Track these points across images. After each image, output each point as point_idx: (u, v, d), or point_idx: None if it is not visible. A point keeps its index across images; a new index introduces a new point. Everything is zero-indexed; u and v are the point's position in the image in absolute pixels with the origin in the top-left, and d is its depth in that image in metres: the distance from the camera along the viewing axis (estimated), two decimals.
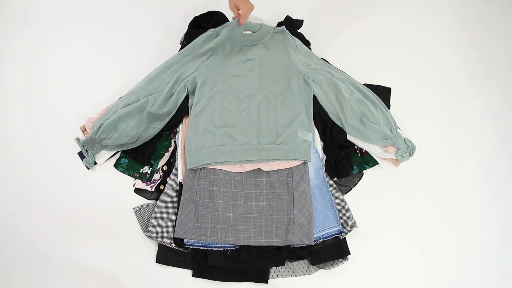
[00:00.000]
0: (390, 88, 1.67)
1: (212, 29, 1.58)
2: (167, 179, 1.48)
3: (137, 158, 1.49)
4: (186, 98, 1.51)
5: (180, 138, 1.52)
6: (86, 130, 1.47)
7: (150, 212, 1.44)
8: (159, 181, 1.50)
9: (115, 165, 1.51)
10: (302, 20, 1.69)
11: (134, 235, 1.43)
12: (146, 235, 1.40)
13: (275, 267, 1.39)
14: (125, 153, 1.51)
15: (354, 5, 1.89)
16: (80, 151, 1.52)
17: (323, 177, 1.46)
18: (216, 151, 1.39)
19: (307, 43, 1.70)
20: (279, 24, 1.68)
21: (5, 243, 1.41)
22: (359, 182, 1.53)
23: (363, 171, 1.54)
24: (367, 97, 1.54)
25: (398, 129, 1.55)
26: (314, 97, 1.54)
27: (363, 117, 1.49)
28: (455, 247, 1.45)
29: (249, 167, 1.41)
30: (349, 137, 1.52)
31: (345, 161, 1.50)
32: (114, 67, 1.70)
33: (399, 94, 1.66)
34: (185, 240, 1.37)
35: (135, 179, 1.50)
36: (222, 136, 1.41)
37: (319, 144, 1.53)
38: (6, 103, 1.62)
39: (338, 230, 1.40)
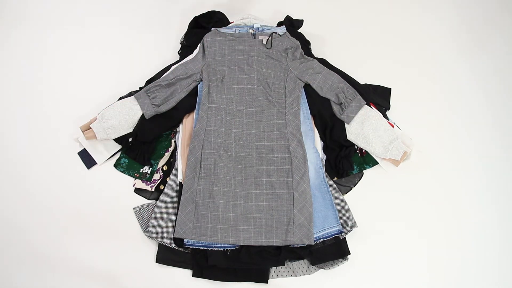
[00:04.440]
0: (390, 89, 1.67)
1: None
2: (167, 179, 1.48)
3: (137, 158, 1.49)
4: (186, 97, 1.52)
5: (180, 138, 1.52)
6: (86, 130, 1.47)
7: (150, 212, 1.44)
8: (159, 181, 1.50)
9: (115, 165, 1.51)
10: (302, 20, 1.69)
11: (134, 235, 1.43)
12: (146, 235, 1.40)
13: (275, 267, 1.39)
14: (125, 153, 1.51)
15: (354, 5, 1.89)
16: (80, 151, 1.52)
17: (323, 177, 1.46)
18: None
19: (307, 43, 1.70)
20: (279, 24, 1.68)
21: (5, 243, 1.41)
22: (359, 182, 1.53)
23: (363, 171, 1.54)
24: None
25: (398, 128, 1.55)
26: (315, 97, 1.55)
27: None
28: (455, 248, 1.45)
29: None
30: (349, 137, 1.52)
31: (345, 161, 1.50)
32: (114, 67, 1.70)
33: (399, 94, 1.66)
34: (185, 240, 1.37)
35: (135, 179, 1.50)
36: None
37: (319, 144, 1.53)
38: (5, 103, 1.62)
39: (338, 230, 1.40)
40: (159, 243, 1.39)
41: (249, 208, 1.38)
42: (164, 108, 1.49)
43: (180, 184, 1.43)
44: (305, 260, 1.40)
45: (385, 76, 1.70)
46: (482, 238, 1.47)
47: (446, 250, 1.45)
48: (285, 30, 1.62)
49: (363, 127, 1.52)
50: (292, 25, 1.67)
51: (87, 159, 1.52)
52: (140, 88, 1.57)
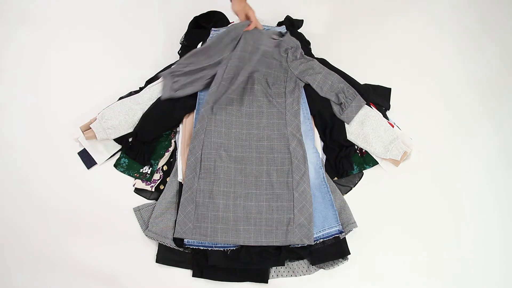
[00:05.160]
0: (390, 89, 1.67)
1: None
2: (167, 179, 1.48)
3: (137, 158, 1.49)
4: (186, 97, 1.52)
5: (180, 138, 1.52)
6: (86, 130, 1.47)
7: (150, 212, 1.44)
8: (159, 181, 1.50)
9: (115, 165, 1.51)
10: (302, 20, 1.69)
11: (134, 235, 1.43)
12: (146, 235, 1.40)
13: (275, 267, 1.39)
14: (125, 153, 1.51)
15: (354, 5, 1.89)
16: (80, 151, 1.52)
17: (323, 177, 1.46)
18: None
19: (307, 43, 1.70)
20: (279, 24, 1.68)
21: (5, 243, 1.41)
22: (359, 182, 1.53)
23: (363, 171, 1.54)
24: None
25: (398, 128, 1.55)
26: (315, 97, 1.55)
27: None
28: (455, 249, 1.45)
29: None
30: (349, 137, 1.52)
31: (345, 161, 1.50)
32: (114, 67, 1.70)
33: (399, 94, 1.66)
34: (185, 240, 1.37)
35: (135, 179, 1.50)
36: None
37: (319, 144, 1.53)
38: (6, 103, 1.62)
39: (338, 230, 1.40)
40: (159, 243, 1.39)
41: (249, 208, 1.38)
42: (180, 94, 1.50)
43: (180, 184, 1.43)
44: (305, 260, 1.40)
45: (385, 76, 1.70)
46: (482, 238, 1.46)
47: (446, 250, 1.44)
48: (285, 30, 1.62)
49: (363, 127, 1.52)
50: (292, 25, 1.67)
51: (87, 159, 1.52)
52: (140, 88, 1.58)
